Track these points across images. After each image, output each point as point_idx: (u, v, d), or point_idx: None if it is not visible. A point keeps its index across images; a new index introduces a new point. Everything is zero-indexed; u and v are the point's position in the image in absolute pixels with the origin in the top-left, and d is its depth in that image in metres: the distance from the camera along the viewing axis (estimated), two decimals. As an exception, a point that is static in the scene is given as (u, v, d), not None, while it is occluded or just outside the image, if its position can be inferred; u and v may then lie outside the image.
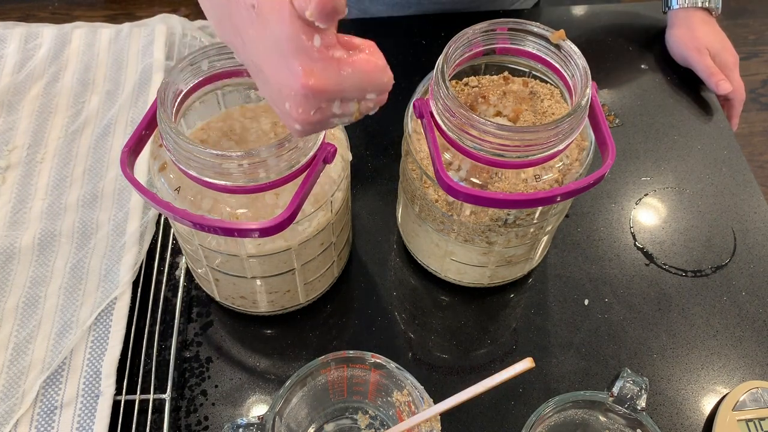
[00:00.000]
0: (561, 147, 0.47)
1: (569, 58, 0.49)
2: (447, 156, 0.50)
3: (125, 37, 0.79)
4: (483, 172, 0.50)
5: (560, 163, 0.50)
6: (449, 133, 0.48)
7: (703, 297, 0.64)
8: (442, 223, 0.55)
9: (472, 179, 0.50)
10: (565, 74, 0.50)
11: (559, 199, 0.47)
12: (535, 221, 0.53)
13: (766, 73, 1.97)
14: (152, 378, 0.57)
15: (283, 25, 0.33)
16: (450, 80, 0.54)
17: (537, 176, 0.49)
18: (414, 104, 0.50)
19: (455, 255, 0.58)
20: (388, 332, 0.61)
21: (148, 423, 0.54)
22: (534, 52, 0.52)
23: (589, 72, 0.48)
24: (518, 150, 0.46)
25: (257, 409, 0.57)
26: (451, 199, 0.52)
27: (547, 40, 0.50)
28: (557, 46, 0.50)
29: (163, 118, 0.44)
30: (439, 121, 0.48)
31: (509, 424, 0.56)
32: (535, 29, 0.50)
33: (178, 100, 0.48)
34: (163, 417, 0.55)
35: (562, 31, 0.49)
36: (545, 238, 0.59)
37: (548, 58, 0.51)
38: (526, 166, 0.48)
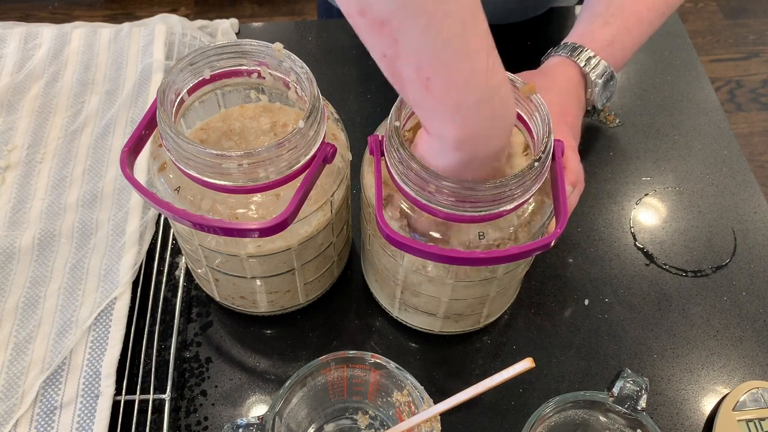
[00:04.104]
0: (509, 207, 0.44)
1: (536, 111, 0.46)
2: (404, 205, 0.48)
3: (125, 37, 0.79)
4: (438, 223, 0.47)
5: (514, 222, 0.47)
6: (398, 180, 0.45)
7: (703, 297, 0.64)
8: (388, 262, 0.54)
9: (430, 232, 0.47)
10: (532, 128, 0.48)
11: (495, 261, 0.44)
12: (480, 278, 0.51)
13: (766, 73, 1.97)
14: (152, 378, 0.57)
15: None
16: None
17: (481, 233, 0.47)
18: (369, 140, 0.48)
19: (404, 298, 0.56)
20: (388, 332, 0.61)
21: (148, 423, 0.54)
22: None
23: (551, 127, 0.45)
24: (457, 206, 0.43)
25: (257, 409, 0.57)
26: None
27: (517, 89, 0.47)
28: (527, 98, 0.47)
29: (162, 118, 0.44)
30: (391, 169, 0.46)
31: (509, 424, 0.56)
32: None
33: (178, 100, 0.48)
34: (163, 417, 0.55)
35: (533, 84, 0.46)
36: (505, 291, 0.56)
37: (516, 108, 0.47)
38: (470, 221, 0.45)
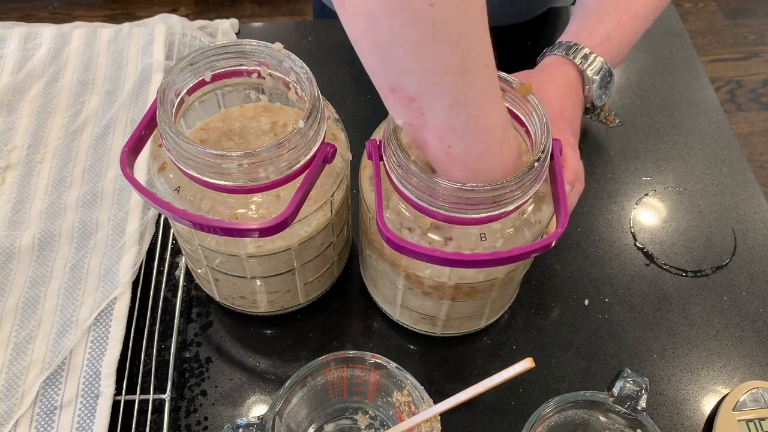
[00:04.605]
0: (509, 208, 0.44)
1: (533, 112, 0.46)
2: (403, 207, 0.48)
3: (125, 37, 0.79)
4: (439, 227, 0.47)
5: (515, 223, 0.47)
6: (397, 184, 0.45)
7: (703, 297, 0.64)
8: (389, 267, 0.54)
9: (429, 234, 0.47)
10: (530, 128, 0.47)
11: (499, 262, 0.44)
12: (482, 280, 0.51)
13: (766, 73, 1.97)
14: (152, 378, 0.57)
15: None
16: None
17: (482, 235, 0.46)
18: (366, 144, 0.47)
19: (404, 301, 0.57)
20: (388, 332, 0.61)
21: (148, 423, 0.54)
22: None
23: (549, 127, 0.45)
24: (457, 208, 0.43)
25: (257, 409, 0.57)
26: None
27: (513, 89, 0.47)
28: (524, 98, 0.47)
29: (162, 118, 0.44)
30: (390, 173, 0.45)
31: (509, 424, 0.56)
32: (502, 76, 0.46)
33: (178, 100, 0.48)
34: (163, 417, 0.55)
35: (529, 84, 0.46)
36: (506, 291, 0.56)
37: (512, 108, 0.48)
38: (470, 223, 0.45)
